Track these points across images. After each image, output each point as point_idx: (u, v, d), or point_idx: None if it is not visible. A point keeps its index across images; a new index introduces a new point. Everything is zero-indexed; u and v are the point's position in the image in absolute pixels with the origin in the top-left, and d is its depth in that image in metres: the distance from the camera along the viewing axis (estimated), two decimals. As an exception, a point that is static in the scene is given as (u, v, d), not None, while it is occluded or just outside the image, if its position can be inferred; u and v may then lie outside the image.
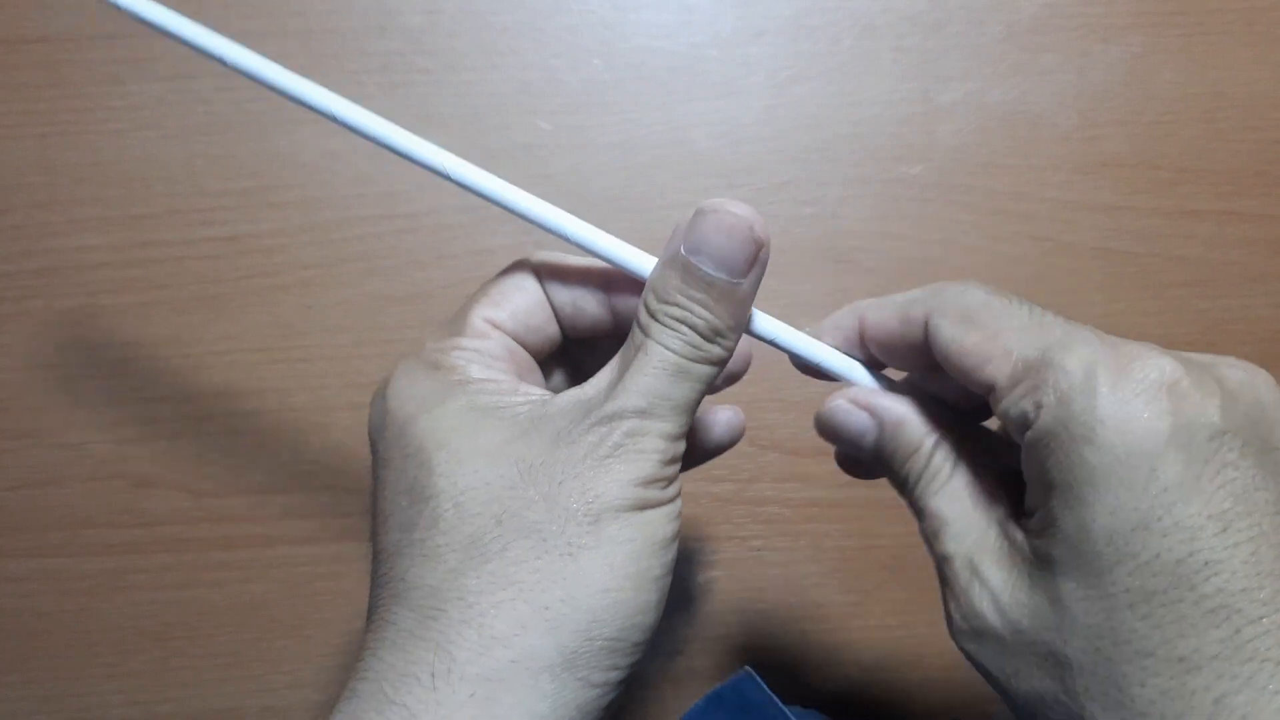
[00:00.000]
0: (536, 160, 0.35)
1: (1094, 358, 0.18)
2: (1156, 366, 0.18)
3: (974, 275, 0.35)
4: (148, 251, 0.34)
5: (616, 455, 0.20)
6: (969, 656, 0.21)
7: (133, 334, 0.35)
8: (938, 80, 0.36)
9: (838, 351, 0.24)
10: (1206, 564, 0.17)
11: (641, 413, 0.20)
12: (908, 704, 0.29)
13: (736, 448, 0.35)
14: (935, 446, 0.22)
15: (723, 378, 0.24)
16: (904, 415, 0.23)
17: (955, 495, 0.22)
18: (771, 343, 0.23)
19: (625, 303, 0.23)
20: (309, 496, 0.34)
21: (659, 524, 0.20)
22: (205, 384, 0.35)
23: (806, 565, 0.35)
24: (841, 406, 0.24)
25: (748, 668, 0.28)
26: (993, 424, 0.23)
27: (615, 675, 0.19)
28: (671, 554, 0.20)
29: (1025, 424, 0.19)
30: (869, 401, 0.23)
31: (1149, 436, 0.18)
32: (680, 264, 0.21)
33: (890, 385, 0.24)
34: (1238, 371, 0.19)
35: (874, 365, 0.24)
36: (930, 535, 0.22)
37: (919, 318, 0.22)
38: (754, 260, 0.21)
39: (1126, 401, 0.18)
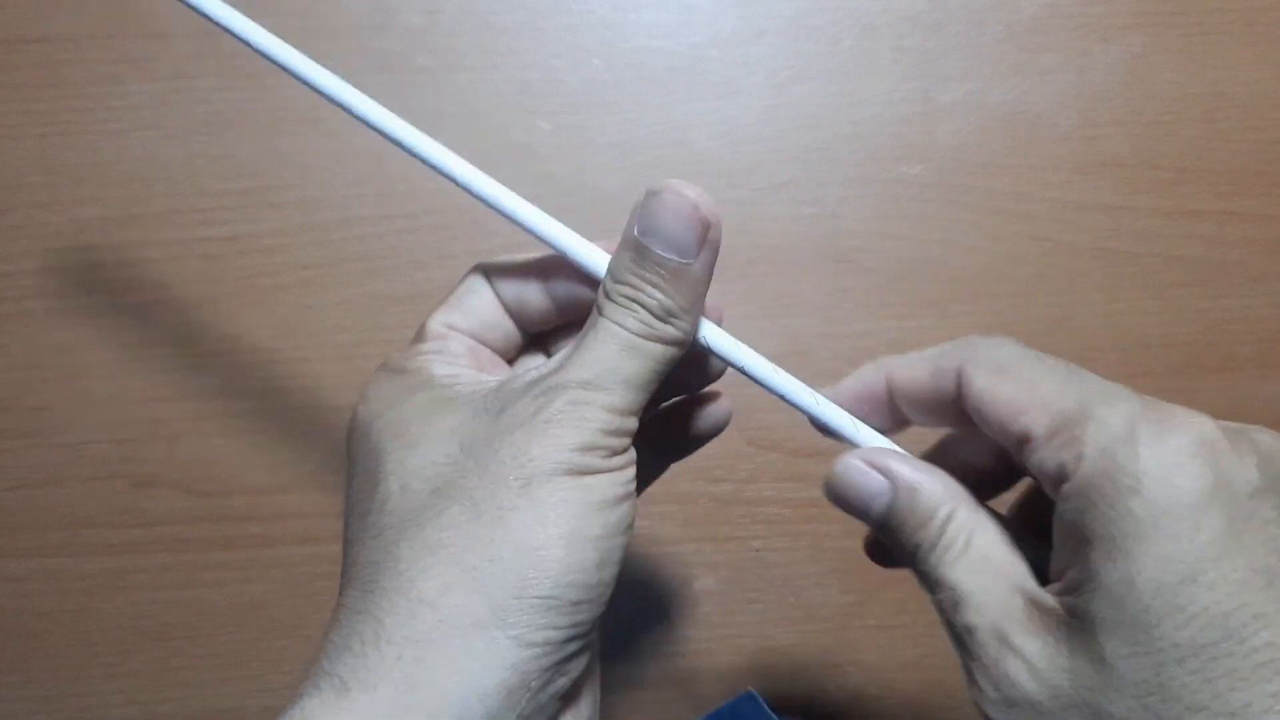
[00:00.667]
0: (536, 160, 0.35)
1: (1134, 412, 0.19)
2: (1196, 425, 0.18)
3: (974, 275, 0.36)
4: (148, 251, 0.34)
5: (555, 421, 0.20)
6: None
7: (133, 334, 0.35)
8: (938, 80, 0.36)
9: (848, 415, 0.24)
10: (1255, 617, 0.17)
11: (585, 384, 0.20)
12: (908, 703, 0.29)
13: (736, 449, 0.35)
14: (951, 514, 0.22)
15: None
16: (920, 480, 0.22)
17: (974, 565, 0.21)
18: (784, 398, 0.24)
19: (564, 290, 0.24)
20: (309, 496, 0.35)
21: (599, 489, 0.20)
22: (205, 384, 0.35)
23: (806, 565, 0.35)
24: (855, 466, 0.23)
25: (750, 689, 0.27)
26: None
27: (554, 635, 0.19)
28: (615, 516, 0.21)
29: (1062, 476, 0.19)
30: (884, 464, 0.23)
31: (1193, 491, 0.18)
32: (632, 245, 0.21)
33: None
34: (1267, 436, 0.19)
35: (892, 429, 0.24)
36: (949, 607, 0.21)
37: (951, 369, 0.22)
38: (703, 240, 0.21)
39: (1170, 456, 0.18)
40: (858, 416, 0.24)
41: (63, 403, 0.34)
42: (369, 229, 0.35)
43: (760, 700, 0.28)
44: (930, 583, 0.22)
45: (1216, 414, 0.37)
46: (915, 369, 0.23)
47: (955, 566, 0.21)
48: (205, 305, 0.35)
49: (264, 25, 0.35)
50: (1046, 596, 0.20)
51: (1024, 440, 0.20)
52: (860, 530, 0.35)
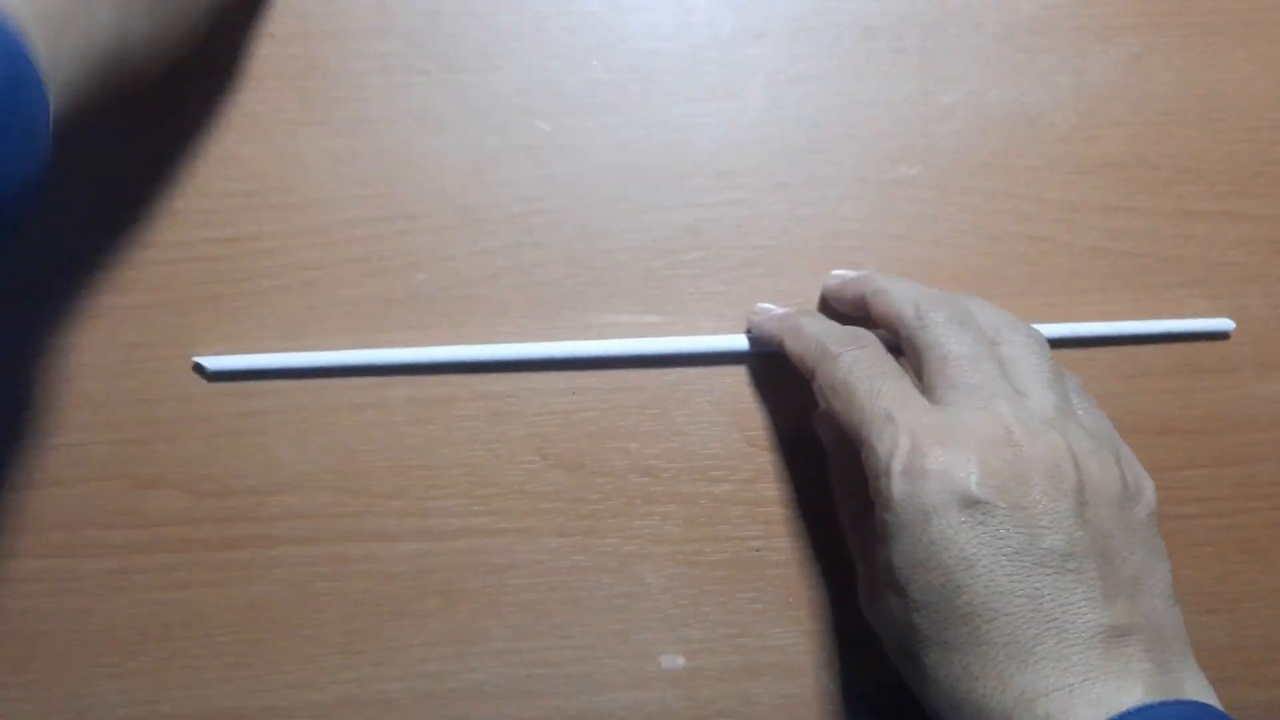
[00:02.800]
0: (536, 161, 0.35)
1: (893, 446, 0.27)
2: (934, 457, 0.26)
3: (972, 275, 0.36)
4: (149, 253, 0.34)
5: None
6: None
7: (134, 335, 0.35)
8: (937, 81, 0.36)
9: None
10: (957, 588, 0.26)
11: None
12: (908, 701, 0.29)
13: (737, 449, 0.35)
14: (840, 484, 0.33)
15: None
16: (831, 455, 0.34)
17: (850, 518, 0.32)
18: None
19: None
20: (310, 497, 0.35)
21: None
22: (206, 385, 0.35)
23: (806, 565, 0.35)
24: (819, 418, 0.34)
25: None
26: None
27: None
28: None
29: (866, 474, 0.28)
30: (825, 421, 0.34)
31: (923, 506, 0.26)
32: None
33: None
34: (998, 455, 0.26)
35: None
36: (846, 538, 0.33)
37: (809, 369, 0.31)
38: None
39: (909, 481, 0.26)
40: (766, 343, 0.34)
41: (64, 404, 0.34)
42: (370, 230, 0.35)
43: None
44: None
45: (1215, 414, 0.37)
46: (795, 349, 0.32)
47: (842, 515, 0.33)
48: (206, 306, 0.35)
49: (264, 27, 0.35)
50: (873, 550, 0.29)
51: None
52: (859, 530, 0.35)
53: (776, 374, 0.35)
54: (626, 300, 0.35)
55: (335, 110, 0.35)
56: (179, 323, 0.35)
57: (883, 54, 0.36)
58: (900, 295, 0.31)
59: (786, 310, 0.34)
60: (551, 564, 0.35)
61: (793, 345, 0.32)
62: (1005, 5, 0.36)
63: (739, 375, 0.35)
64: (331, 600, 0.35)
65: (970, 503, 0.26)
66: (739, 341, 0.35)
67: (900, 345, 0.31)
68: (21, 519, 0.34)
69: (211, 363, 0.34)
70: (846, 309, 0.34)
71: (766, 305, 0.34)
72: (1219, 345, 0.36)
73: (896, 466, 0.26)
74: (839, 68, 0.36)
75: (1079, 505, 0.26)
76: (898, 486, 0.26)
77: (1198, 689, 0.26)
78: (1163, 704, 0.24)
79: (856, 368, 0.29)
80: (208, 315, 0.35)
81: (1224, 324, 0.36)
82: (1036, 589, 0.25)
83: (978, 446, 0.26)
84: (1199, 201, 0.36)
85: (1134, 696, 0.24)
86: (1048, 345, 0.30)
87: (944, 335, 0.29)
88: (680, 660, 0.35)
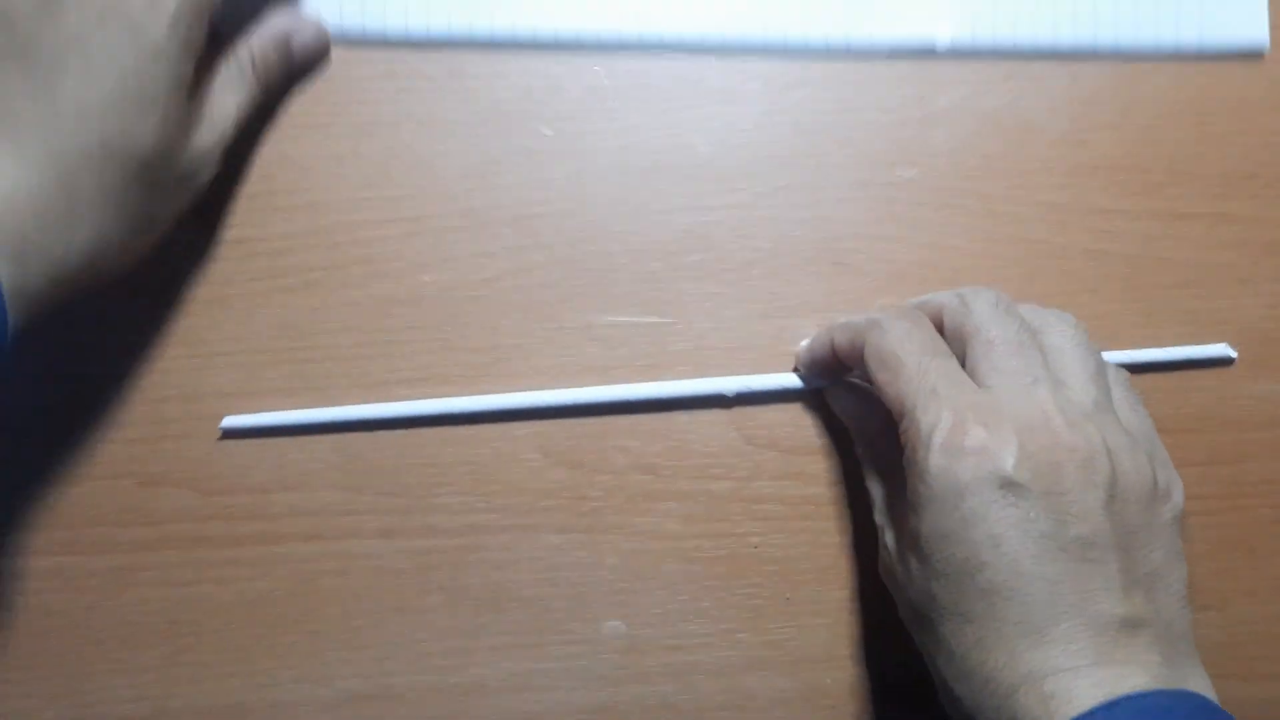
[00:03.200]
0: (538, 166, 0.36)
1: (936, 420, 0.27)
2: (974, 435, 0.27)
3: (967, 277, 0.36)
4: (155, 254, 0.35)
5: None
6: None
7: (140, 336, 0.35)
8: (932, 86, 0.37)
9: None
10: (981, 565, 0.26)
11: None
12: (907, 698, 0.30)
13: (735, 447, 0.36)
14: (866, 451, 0.34)
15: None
16: (854, 426, 0.34)
17: (876, 484, 0.33)
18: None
19: None
20: (315, 495, 0.35)
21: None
22: (211, 384, 0.35)
23: (803, 562, 0.35)
24: (836, 394, 0.35)
25: None
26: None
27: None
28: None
29: (904, 449, 0.29)
30: (846, 397, 0.35)
31: (958, 482, 0.26)
32: None
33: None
34: (1055, 426, 0.27)
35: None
36: (871, 507, 0.33)
37: (858, 346, 0.31)
38: None
39: (947, 456, 0.27)
40: (822, 374, 0.35)
41: (68, 403, 0.35)
42: (373, 232, 0.35)
43: None
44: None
45: (1208, 413, 0.37)
46: (844, 339, 0.32)
47: (869, 480, 0.33)
48: (212, 307, 0.35)
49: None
50: (901, 517, 0.30)
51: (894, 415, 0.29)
52: (858, 528, 0.36)
53: (776, 373, 0.36)
54: (627, 301, 0.36)
55: (340, 114, 0.36)
56: (185, 324, 0.35)
57: (878, 60, 0.37)
58: (945, 293, 0.32)
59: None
60: (552, 560, 0.35)
61: (841, 334, 0.32)
62: (1000, 11, 0.37)
63: (738, 374, 0.36)
64: (335, 596, 0.35)
65: (1005, 484, 0.26)
66: (789, 379, 0.35)
67: (945, 334, 0.31)
68: (29, 517, 0.35)
69: (232, 422, 0.35)
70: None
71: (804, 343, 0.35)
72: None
73: (937, 441, 0.27)
74: (836, 73, 0.36)
75: (1109, 498, 0.26)
76: (935, 460, 0.27)
77: (1201, 686, 0.26)
78: (1164, 692, 0.25)
79: (908, 341, 0.29)
80: (215, 316, 0.35)
81: (1223, 350, 0.36)
82: (1058, 574, 0.26)
83: (1018, 430, 0.26)
84: (1191, 204, 0.37)
85: (1138, 683, 0.25)
86: (1089, 338, 0.30)
87: (989, 320, 0.29)
88: (680, 654, 0.35)
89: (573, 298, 0.36)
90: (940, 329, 0.31)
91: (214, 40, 0.31)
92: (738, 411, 0.36)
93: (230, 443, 0.35)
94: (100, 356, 0.35)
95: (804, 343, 0.35)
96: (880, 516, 0.32)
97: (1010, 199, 0.36)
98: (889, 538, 0.31)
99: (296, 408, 0.35)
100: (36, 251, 0.26)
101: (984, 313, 0.30)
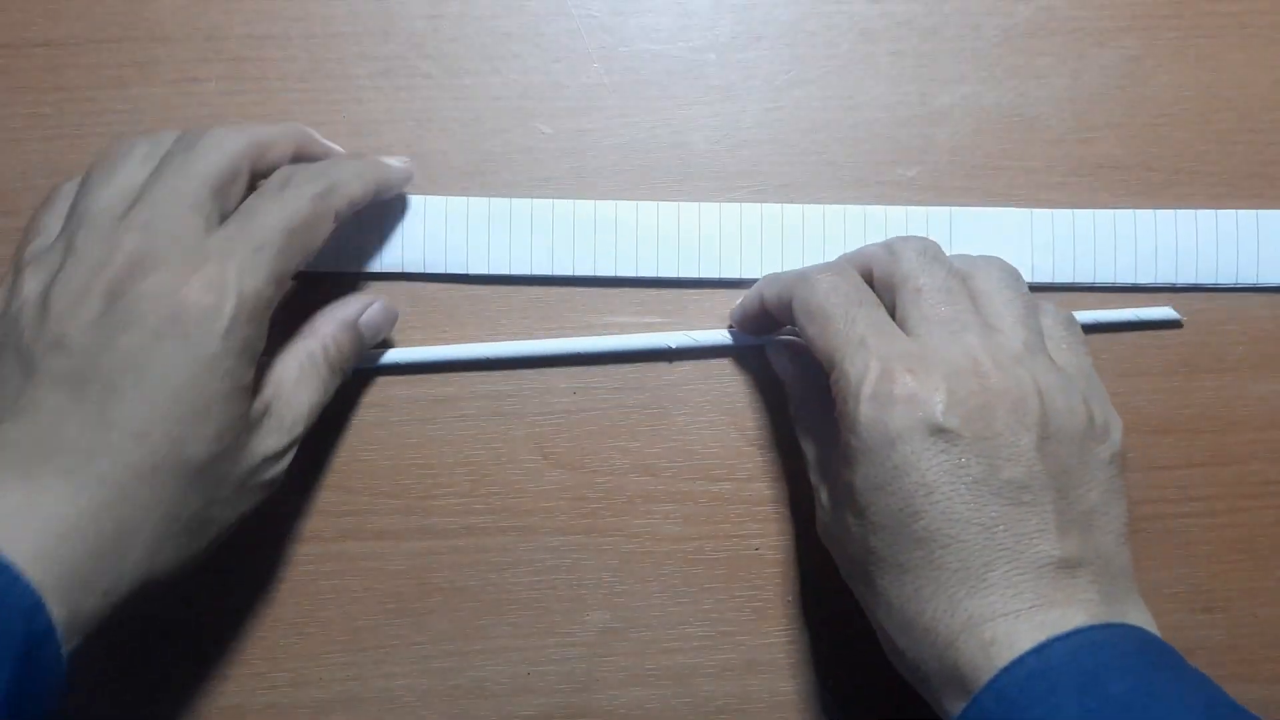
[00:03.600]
0: (537, 164, 0.36)
1: (864, 371, 0.27)
2: (902, 383, 0.26)
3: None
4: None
5: None
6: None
7: (137, 335, 0.35)
8: (934, 84, 0.36)
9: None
10: (915, 513, 0.26)
11: None
12: (906, 699, 0.30)
13: (736, 448, 0.35)
14: (801, 409, 0.33)
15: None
16: (785, 373, 0.34)
17: (809, 441, 0.32)
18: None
19: None
20: (311, 495, 0.35)
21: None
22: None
23: (805, 564, 0.35)
24: (773, 348, 0.35)
25: None
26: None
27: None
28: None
29: (834, 401, 0.28)
30: (778, 352, 0.35)
31: (888, 432, 0.26)
32: None
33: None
34: (984, 369, 0.27)
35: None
36: (806, 464, 0.33)
37: (789, 300, 0.30)
38: None
39: (876, 406, 0.27)
40: (755, 328, 0.34)
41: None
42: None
43: None
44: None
45: (1212, 414, 0.37)
46: (772, 293, 0.32)
47: (801, 437, 0.33)
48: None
49: (267, 30, 0.36)
50: (835, 472, 0.29)
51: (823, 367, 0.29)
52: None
53: (774, 373, 0.36)
54: (627, 301, 0.36)
55: (338, 112, 0.36)
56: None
57: (881, 57, 0.36)
58: (872, 244, 0.31)
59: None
60: (552, 562, 0.35)
61: (769, 288, 0.32)
62: (1002, 8, 0.37)
63: (739, 375, 0.36)
64: (334, 598, 0.35)
65: (935, 430, 0.26)
66: (725, 335, 0.35)
67: (874, 284, 0.31)
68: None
69: None
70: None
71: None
72: (1214, 347, 0.36)
73: (866, 391, 0.27)
74: (837, 71, 0.36)
75: (1041, 439, 0.26)
76: (865, 410, 0.27)
77: (1141, 620, 0.26)
78: (1104, 626, 0.25)
79: (834, 294, 0.29)
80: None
81: (1167, 313, 0.36)
82: (992, 518, 0.26)
83: (946, 376, 0.26)
84: (1195, 203, 0.37)
85: (1077, 621, 0.25)
86: (1022, 279, 0.30)
87: (917, 268, 0.29)
88: (680, 655, 0.35)
89: (573, 297, 0.36)
90: (870, 280, 0.31)
91: (280, 329, 0.30)
92: (738, 412, 0.36)
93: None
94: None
95: (736, 305, 0.34)
96: (815, 475, 0.31)
97: (1013, 198, 0.36)
98: (824, 496, 0.30)
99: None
100: (88, 583, 0.25)
101: (911, 261, 0.29)
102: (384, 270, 0.35)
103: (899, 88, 0.36)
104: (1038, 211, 0.36)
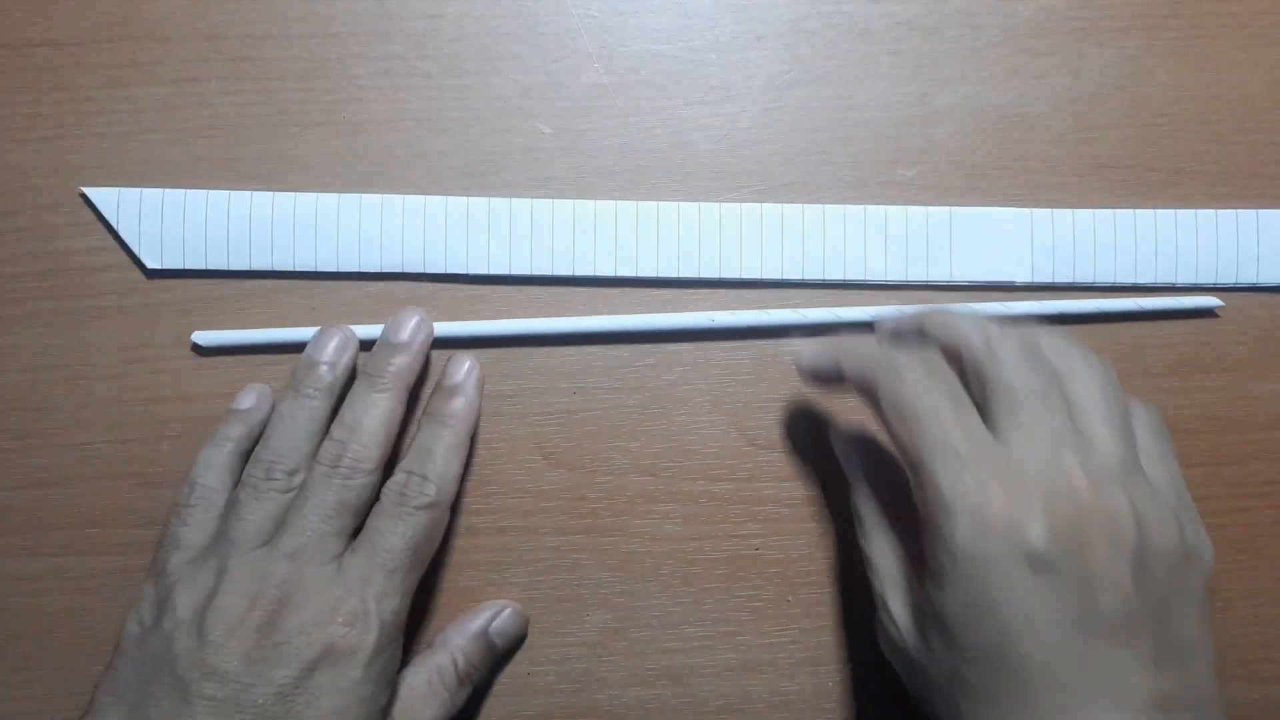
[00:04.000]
0: (537, 164, 0.36)
1: (957, 485, 0.26)
2: (1000, 506, 0.25)
3: (970, 277, 0.36)
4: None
5: None
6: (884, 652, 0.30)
7: (138, 335, 0.35)
8: (934, 84, 0.36)
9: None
10: (1010, 645, 0.25)
11: None
12: (905, 699, 0.30)
13: (736, 447, 0.35)
14: (869, 504, 0.31)
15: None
16: (860, 472, 0.32)
17: (880, 547, 0.30)
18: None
19: None
20: (312, 496, 0.35)
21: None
22: (210, 385, 0.35)
23: (805, 564, 0.35)
24: (838, 440, 0.33)
25: None
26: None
27: None
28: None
29: (920, 507, 0.27)
30: (849, 446, 0.33)
31: (986, 560, 0.25)
32: None
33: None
34: (1062, 506, 0.26)
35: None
36: (866, 569, 0.30)
37: (871, 383, 0.29)
38: None
39: (973, 528, 0.25)
40: (821, 376, 0.31)
41: (68, 404, 0.35)
42: (371, 231, 0.35)
43: None
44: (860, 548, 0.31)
45: (1212, 414, 0.37)
46: (849, 369, 0.30)
47: (869, 541, 0.30)
48: (210, 307, 0.35)
49: (267, 30, 0.36)
50: (914, 586, 0.28)
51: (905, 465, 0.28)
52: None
53: (776, 373, 0.36)
54: (627, 301, 0.36)
55: (337, 112, 0.36)
56: (183, 322, 0.35)
57: (881, 57, 0.36)
58: (968, 323, 0.29)
59: (839, 337, 0.31)
60: (552, 562, 0.35)
61: (850, 361, 0.30)
62: (1002, 8, 0.37)
63: (739, 375, 0.36)
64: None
65: (1034, 560, 0.25)
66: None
67: (963, 372, 0.29)
68: (25, 518, 0.35)
69: (205, 338, 0.34)
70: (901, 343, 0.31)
71: (802, 341, 0.32)
72: (1215, 346, 0.36)
73: (960, 509, 0.25)
74: (837, 70, 0.36)
75: (1137, 568, 0.25)
76: (961, 533, 0.25)
77: None
78: None
79: (926, 394, 0.27)
80: (211, 314, 0.35)
81: (1210, 302, 0.36)
82: (1090, 655, 0.25)
83: (1044, 498, 0.25)
84: (1195, 203, 0.37)
85: None
86: (1118, 384, 0.29)
87: (1014, 371, 0.27)
88: (681, 656, 0.35)
89: (572, 297, 0.36)
90: (957, 362, 0.29)
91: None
92: (739, 412, 0.36)
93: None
94: (98, 355, 0.35)
95: (805, 347, 0.31)
96: (881, 582, 0.29)
97: (1013, 198, 0.36)
98: (897, 607, 0.29)
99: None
100: None
101: (1010, 364, 0.28)
102: (384, 270, 0.35)
103: (899, 88, 0.36)
104: (1038, 211, 0.36)
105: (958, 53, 0.36)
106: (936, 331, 0.30)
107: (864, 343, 0.30)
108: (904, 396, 0.27)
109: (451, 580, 0.35)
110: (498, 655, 0.34)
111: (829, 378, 0.31)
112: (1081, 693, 0.24)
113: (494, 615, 0.34)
